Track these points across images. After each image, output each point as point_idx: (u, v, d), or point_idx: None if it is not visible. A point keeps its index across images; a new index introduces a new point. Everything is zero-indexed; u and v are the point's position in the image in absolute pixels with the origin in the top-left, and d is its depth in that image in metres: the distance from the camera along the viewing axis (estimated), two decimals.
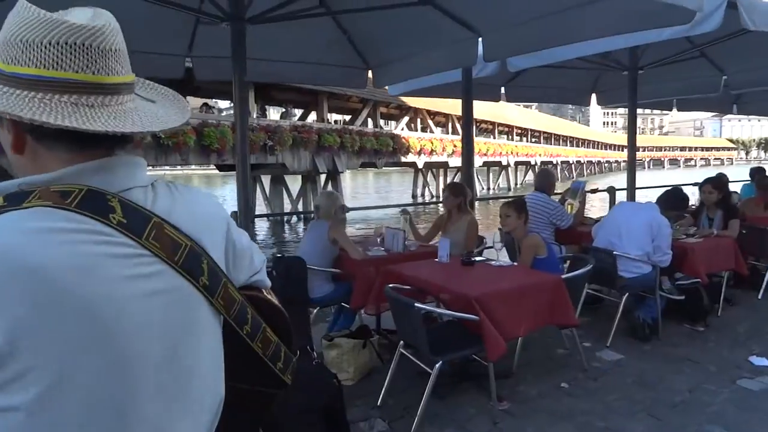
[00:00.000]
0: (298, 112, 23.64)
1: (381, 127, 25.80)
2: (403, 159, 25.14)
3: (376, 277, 3.47)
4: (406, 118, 27.03)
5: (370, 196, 37.05)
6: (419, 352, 2.89)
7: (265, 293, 1.05)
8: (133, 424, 0.74)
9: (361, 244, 4.16)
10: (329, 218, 3.80)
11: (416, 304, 2.66)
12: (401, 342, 3.09)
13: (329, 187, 22.16)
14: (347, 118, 26.66)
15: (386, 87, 5.66)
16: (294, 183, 23.76)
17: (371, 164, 24.21)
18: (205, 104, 19.34)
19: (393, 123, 28.69)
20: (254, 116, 18.48)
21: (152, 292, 0.77)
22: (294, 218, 22.84)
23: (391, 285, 3.00)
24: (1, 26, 0.77)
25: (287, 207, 23.53)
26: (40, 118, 0.72)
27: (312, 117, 23.03)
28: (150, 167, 14.68)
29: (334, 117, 27.11)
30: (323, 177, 21.86)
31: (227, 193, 34.16)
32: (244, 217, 3.57)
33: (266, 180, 23.85)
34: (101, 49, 0.77)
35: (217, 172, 26.81)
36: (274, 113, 26.67)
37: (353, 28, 4.56)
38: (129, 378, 0.74)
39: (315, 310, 3.80)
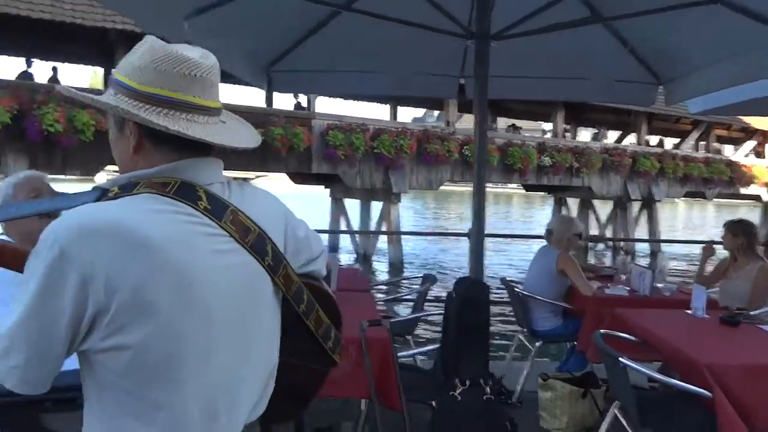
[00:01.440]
0: (614, 134, 22.10)
1: (717, 151, 22.21)
2: (743, 190, 21.12)
3: (605, 319, 3.00)
4: (751, 143, 22.66)
5: (695, 229, 32.01)
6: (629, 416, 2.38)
7: (318, 282, 1.20)
8: (212, 367, 0.96)
9: (605, 279, 3.65)
10: (560, 246, 3.45)
11: (621, 359, 2.20)
12: (616, 402, 2.59)
13: (643, 216, 20.11)
14: (676, 141, 23.75)
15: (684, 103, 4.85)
16: (604, 207, 22.32)
17: (699, 194, 21.04)
18: (512, 125, 19.72)
19: (730, 147, 24.41)
20: (563, 136, 18.01)
21: (229, 265, 0.98)
22: (600, 245, 21.38)
23: (603, 330, 2.55)
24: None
25: (594, 233, 22.19)
26: (170, 126, 0.95)
27: (630, 140, 21.27)
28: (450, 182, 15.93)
29: (653, 139, 24.44)
30: (636, 204, 19.92)
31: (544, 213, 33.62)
32: (476, 236, 3.48)
33: (573, 203, 22.98)
34: (211, 81, 1.01)
35: (524, 192, 27.04)
36: (586, 134, 25.55)
37: (633, 37, 4.04)
38: (212, 332, 0.95)
39: (538, 343, 3.48)
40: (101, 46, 12.21)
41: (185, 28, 2.76)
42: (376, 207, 15.40)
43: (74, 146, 9.97)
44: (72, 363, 0.94)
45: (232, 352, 1.00)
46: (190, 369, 0.93)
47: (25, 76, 11.71)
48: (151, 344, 0.88)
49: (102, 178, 10.96)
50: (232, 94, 27.24)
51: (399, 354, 2.44)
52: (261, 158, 12.04)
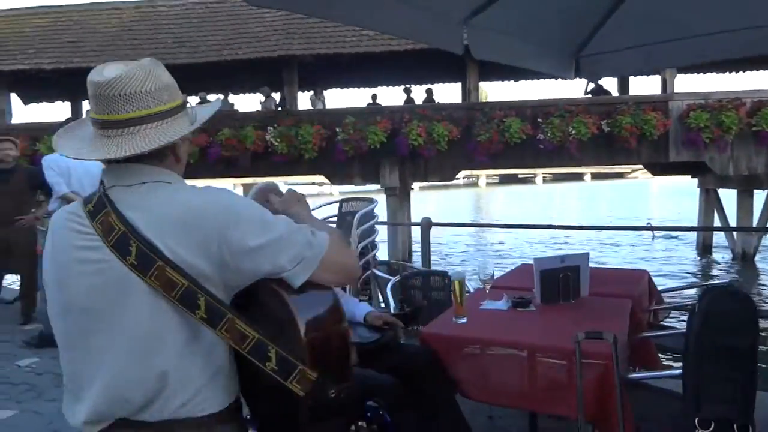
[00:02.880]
0: None
1: None
2: None
3: None
4: None
5: None
6: None
7: (281, 288, 1.14)
8: (70, 354, 1.14)
9: None
10: None
11: None
12: None
13: None
14: None
15: None
16: None
17: None
18: None
19: None
20: None
21: (86, 260, 1.11)
22: None
23: None
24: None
25: None
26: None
27: None
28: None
29: None
30: None
31: None
32: None
33: None
34: (105, 96, 1.10)
35: None
36: None
37: None
38: (67, 320, 1.13)
39: None
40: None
41: (463, 35, 2.84)
42: (760, 196, 12.67)
43: (433, 156, 11.35)
44: None
45: (85, 343, 1.11)
46: (61, 349, 1.15)
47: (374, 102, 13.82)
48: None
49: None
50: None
51: (635, 375, 1.99)
52: (607, 151, 11.36)
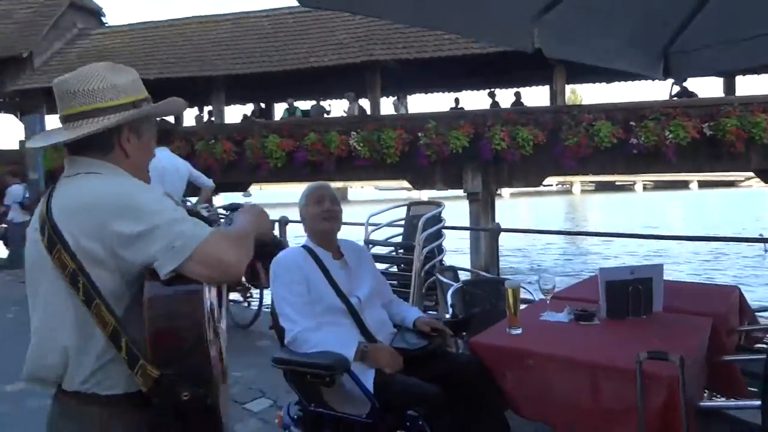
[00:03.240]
0: None
1: None
2: None
3: None
4: None
5: None
6: None
7: (147, 278, 1.14)
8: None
9: None
10: None
11: None
12: None
13: None
14: None
15: None
16: None
17: None
18: None
19: None
20: None
21: (31, 237, 1.25)
22: None
23: None
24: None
25: None
26: None
27: None
28: None
29: None
30: None
31: None
32: None
33: None
34: (58, 96, 1.28)
35: None
36: None
37: None
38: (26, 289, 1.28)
39: None
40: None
41: (534, 32, 2.69)
42: None
43: (517, 160, 11.03)
44: None
45: (31, 304, 1.26)
46: None
47: (456, 106, 13.60)
48: None
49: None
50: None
51: (707, 403, 1.73)
52: (710, 157, 10.50)
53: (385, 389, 2.12)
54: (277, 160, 12.41)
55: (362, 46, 12.60)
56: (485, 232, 11.74)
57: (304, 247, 2.41)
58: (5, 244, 8.86)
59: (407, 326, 2.46)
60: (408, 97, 13.95)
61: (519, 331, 2.32)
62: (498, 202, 12.97)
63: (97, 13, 18.21)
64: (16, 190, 8.97)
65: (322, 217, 2.38)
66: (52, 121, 16.04)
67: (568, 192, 52.42)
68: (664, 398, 1.86)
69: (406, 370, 2.21)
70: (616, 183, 51.17)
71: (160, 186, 5.19)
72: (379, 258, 4.97)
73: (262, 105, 15.37)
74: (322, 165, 12.17)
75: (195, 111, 15.74)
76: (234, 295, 5.34)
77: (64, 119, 1.29)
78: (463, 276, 3.93)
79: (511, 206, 29.95)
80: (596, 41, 3.09)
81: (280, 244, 4.93)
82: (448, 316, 2.97)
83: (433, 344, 2.32)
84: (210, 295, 1.23)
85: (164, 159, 5.10)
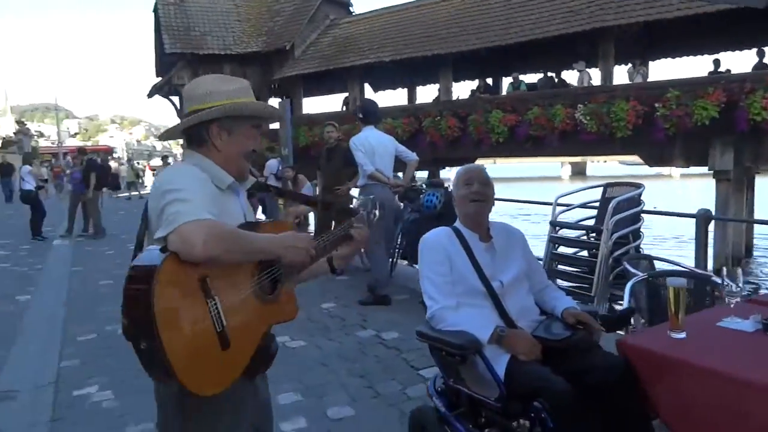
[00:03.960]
0: None
1: None
2: None
3: None
4: None
5: None
6: None
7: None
8: None
9: None
10: None
11: None
12: None
13: None
14: None
15: None
16: None
17: None
18: None
19: None
20: None
21: None
22: None
23: None
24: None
25: None
26: None
27: None
28: None
29: None
30: None
31: None
32: None
33: None
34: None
35: None
36: None
37: None
38: None
39: None
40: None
41: None
42: None
43: None
44: None
45: None
46: None
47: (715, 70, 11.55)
48: None
49: None
50: None
51: None
52: None
53: (515, 376, 2.10)
54: (498, 135, 12.37)
55: (593, 12, 11.65)
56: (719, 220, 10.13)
57: (453, 228, 2.48)
58: (263, 209, 10.54)
59: (556, 315, 2.37)
60: (650, 63, 12.51)
61: (682, 335, 2.05)
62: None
63: (345, 5, 20.13)
64: (273, 164, 10.62)
65: (470, 198, 2.41)
66: (309, 103, 18.39)
67: None
68: None
69: (544, 360, 2.15)
70: None
71: (370, 164, 5.62)
72: (564, 241, 4.69)
73: (488, 81, 15.33)
74: (545, 139, 11.74)
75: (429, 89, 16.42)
76: None
77: (183, 117, 1.62)
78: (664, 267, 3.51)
79: None
80: None
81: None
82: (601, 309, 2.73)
83: (576, 337, 2.19)
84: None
85: (373, 137, 5.54)
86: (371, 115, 5.71)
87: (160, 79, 20.08)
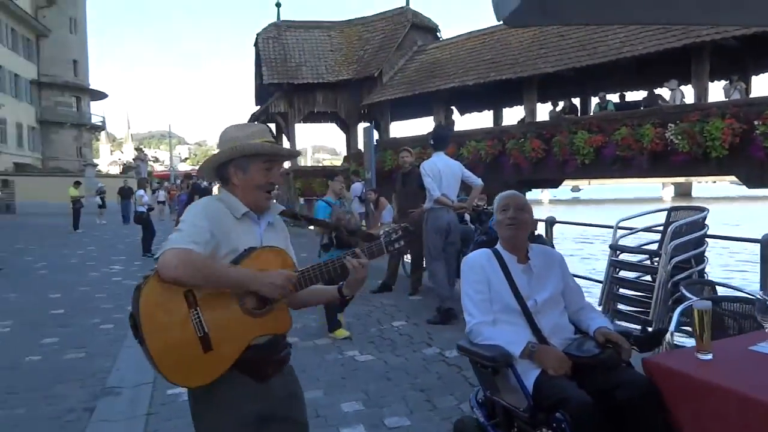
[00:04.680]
0: None
1: None
2: None
3: None
4: None
5: None
6: None
7: None
8: None
9: None
10: None
11: None
12: None
13: None
14: None
15: None
16: None
17: None
18: None
19: None
20: None
21: None
22: None
23: None
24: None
25: None
26: None
27: None
28: None
29: None
30: None
31: None
32: None
33: None
34: None
35: None
36: None
37: None
38: None
39: None
40: None
41: None
42: None
43: None
44: None
45: None
46: None
47: None
48: None
49: None
50: None
51: None
52: None
53: (542, 388, 2.24)
54: (584, 157, 12.15)
55: (686, 28, 11.23)
56: None
57: (494, 249, 2.66)
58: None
59: (589, 334, 2.48)
60: (750, 79, 11.81)
61: (709, 356, 2.11)
62: None
63: (433, 30, 20.61)
64: (357, 187, 11.14)
65: (506, 224, 2.59)
66: (394, 128, 18.91)
67: None
68: None
69: (573, 376, 2.27)
70: None
71: (437, 189, 5.85)
72: (623, 265, 4.63)
73: (573, 101, 15.08)
74: (633, 160, 11.39)
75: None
76: None
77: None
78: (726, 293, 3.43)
79: None
80: None
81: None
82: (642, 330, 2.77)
83: (604, 355, 2.29)
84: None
85: (440, 163, 5.82)
86: (441, 141, 6.02)
87: (258, 107, 21.56)
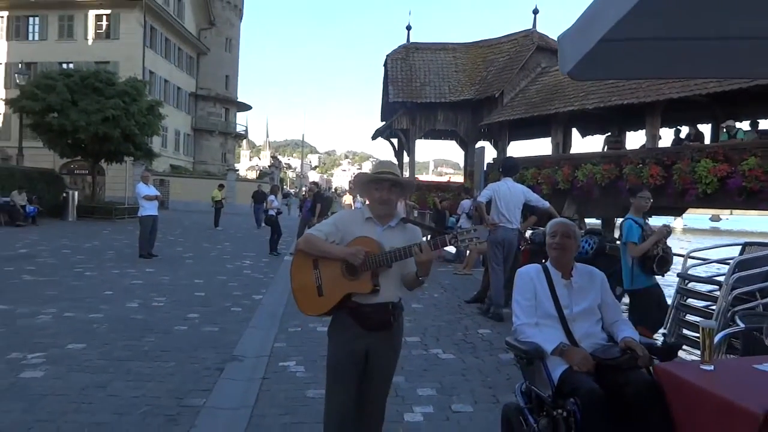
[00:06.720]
0: None
1: None
2: None
3: None
4: None
5: None
6: None
7: None
8: None
9: None
10: None
11: None
12: None
13: None
14: None
15: None
16: None
17: None
18: None
19: None
20: None
21: None
22: None
23: None
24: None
25: None
26: None
27: None
28: None
29: None
30: None
31: None
32: None
33: None
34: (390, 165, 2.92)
35: None
36: None
37: None
38: None
39: None
40: None
41: None
42: None
43: None
44: None
45: None
46: None
47: None
48: None
49: None
50: None
51: None
52: None
53: (565, 380, 2.73)
54: (706, 186, 11.68)
55: None
56: None
57: (543, 265, 3.18)
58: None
59: (618, 342, 2.91)
60: None
61: (710, 368, 2.48)
62: None
63: (558, 52, 20.52)
64: (465, 204, 11.69)
65: (553, 247, 3.10)
66: (512, 148, 19.13)
67: None
68: None
69: (595, 374, 2.74)
70: None
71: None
72: (689, 293, 4.73)
73: (700, 127, 14.40)
74: (761, 193, 10.78)
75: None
76: None
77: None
78: None
79: None
80: None
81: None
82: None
83: (622, 359, 2.72)
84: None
85: (503, 185, 6.89)
86: (510, 169, 7.14)
87: (383, 123, 22.83)
